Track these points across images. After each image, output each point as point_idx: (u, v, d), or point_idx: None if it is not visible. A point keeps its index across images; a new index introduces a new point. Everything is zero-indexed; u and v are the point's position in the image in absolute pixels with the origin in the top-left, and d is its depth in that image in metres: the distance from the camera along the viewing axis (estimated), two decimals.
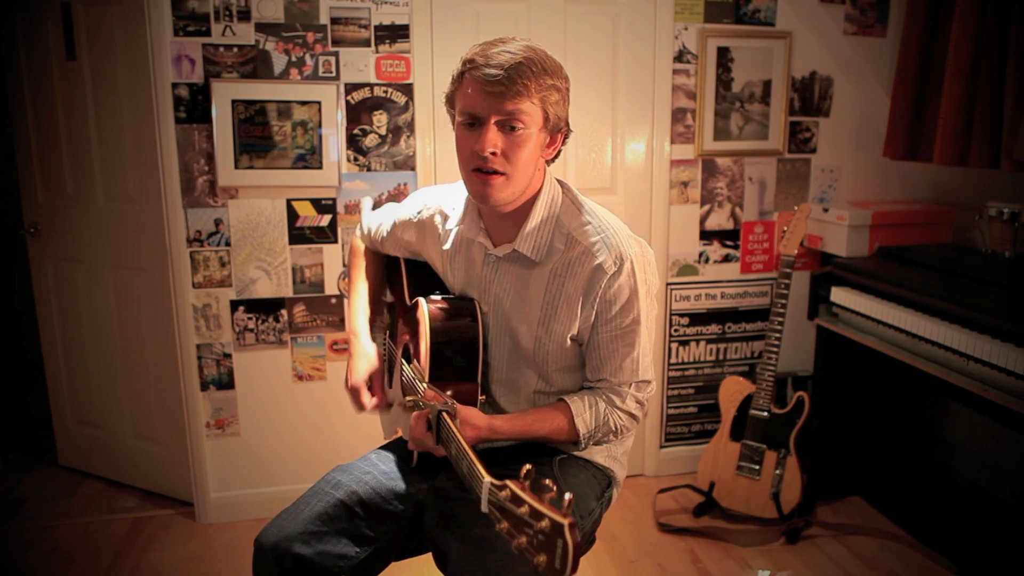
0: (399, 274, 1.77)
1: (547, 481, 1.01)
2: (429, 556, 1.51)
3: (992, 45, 2.49)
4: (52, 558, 2.60)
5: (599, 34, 2.83)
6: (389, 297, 1.86)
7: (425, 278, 1.69)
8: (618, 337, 1.48)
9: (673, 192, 2.98)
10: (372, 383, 1.64)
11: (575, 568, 0.94)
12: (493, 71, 1.33)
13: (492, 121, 1.36)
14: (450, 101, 1.44)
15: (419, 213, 1.67)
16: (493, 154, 1.37)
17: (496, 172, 1.38)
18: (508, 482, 1.04)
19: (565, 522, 0.94)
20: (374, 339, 1.74)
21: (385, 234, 1.76)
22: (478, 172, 1.39)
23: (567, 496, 0.97)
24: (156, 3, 2.51)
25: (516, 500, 1.01)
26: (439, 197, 1.65)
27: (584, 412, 1.49)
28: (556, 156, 1.49)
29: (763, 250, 3.10)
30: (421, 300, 1.55)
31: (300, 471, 2.83)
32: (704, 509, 2.86)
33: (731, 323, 3.13)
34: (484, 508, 1.10)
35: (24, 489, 3.08)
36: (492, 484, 1.08)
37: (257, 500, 2.83)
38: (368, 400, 1.62)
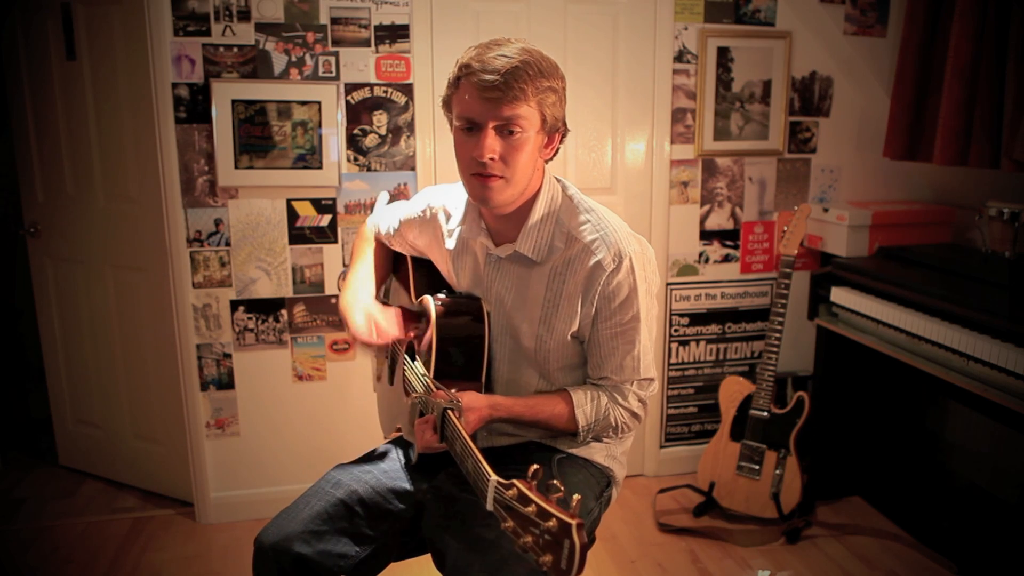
0: (405, 272, 1.77)
1: (554, 481, 1.01)
2: (428, 556, 1.51)
3: (992, 45, 2.49)
4: (52, 558, 2.60)
5: (599, 34, 2.83)
6: (394, 298, 1.85)
7: (431, 277, 1.70)
8: (618, 335, 1.48)
9: (673, 192, 2.98)
10: (378, 325, 1.59)
11: (581, 569, 0.94)
12: (490, 76, 1.33)
13: (490, 127, 1.36)
14: (447, 105, 1.44)
15: (423, 212, 1.67)
16: (492, 159, 1.37)
17: (495, 176, 1.38)
18: (515, 481, 1.04)
19: (573, 523, 0.94)
20: None
21: (393, 232, 1.76)
22: (478, 176, 1.40)
23: (575, 497, 0.97)
24: (156, 3, 2.51)
25: (523, 499, 1.01)
26: (443, 196, 1.65)
27: (585, 404, 1.50)
28: (554, 155, 1.49)
29: (763, 250, 3.10)
30: (428, 297, 1.55)
31: (300, 471, 2.83)
32: (704, 509, 2.86)
33: (731, 323, 3.13)
34: (489, 506, 1.09)
35: (24, 489, 3.08)
36: (499, 483, 1.08)
37: (257, 500, 2.83)
38: (371, 334, 1.56)
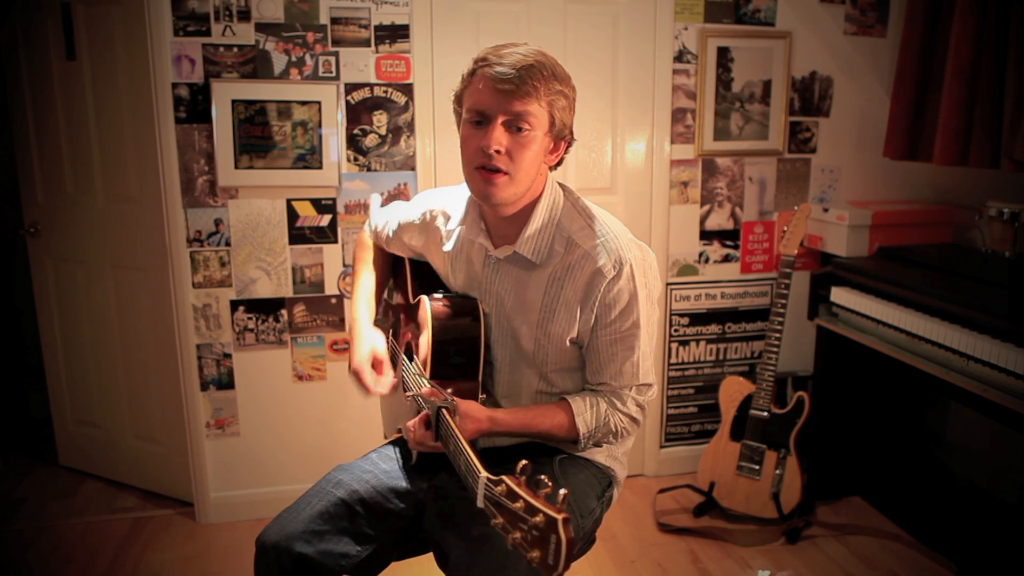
0: (403, 274, 1.77)
1: (543, 477, 1.01)
2: (429, 556, 1.51)
3: (992, 45, 2.50)
4: (52, 558, 2.60)
5: (599, 34, 2.83)
6: (394, 298, 1.86)
7: (428, 278, 1.70)
8: (618, 341, 1.48)
9: (673, 192, 2.98)
10: (376, 366, 1.60)
11: (568, 564, 0.94)
12: (505, 70, 1.35)
13: (500, 120, 1.37)
14: (459, 99, 1.46)
15: (422, 215, 1.67)
16: (498, 152, 1.37)
17: (499, 171, 1.39)
18: (504, 477, 1.05)
19: (559, 517, 0.94)
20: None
21: (391, 234, 1.77)
22: (482, 170, 1.40)
23: (561, 492, 0.97)
24: (156, 3, 2.51)
25: (511, 495, 1.02)
26: (442, 199, 1.66)
27: (585, 412, 1.49)
28: (558, 164, 1.50)
29: (763, 250, 3.10)
30: (424, 298, 1.56)
31: (300, 471, 2.83)
32: (704, 509, 2.86)
33: (731, 323, 3.13)
34: (480, 503, 1.10)
35: (24, 489, 3.08)
36: (488, 479, 1.08)
37: (257, 500, 2.83)
38: (371, 381, 1.58)
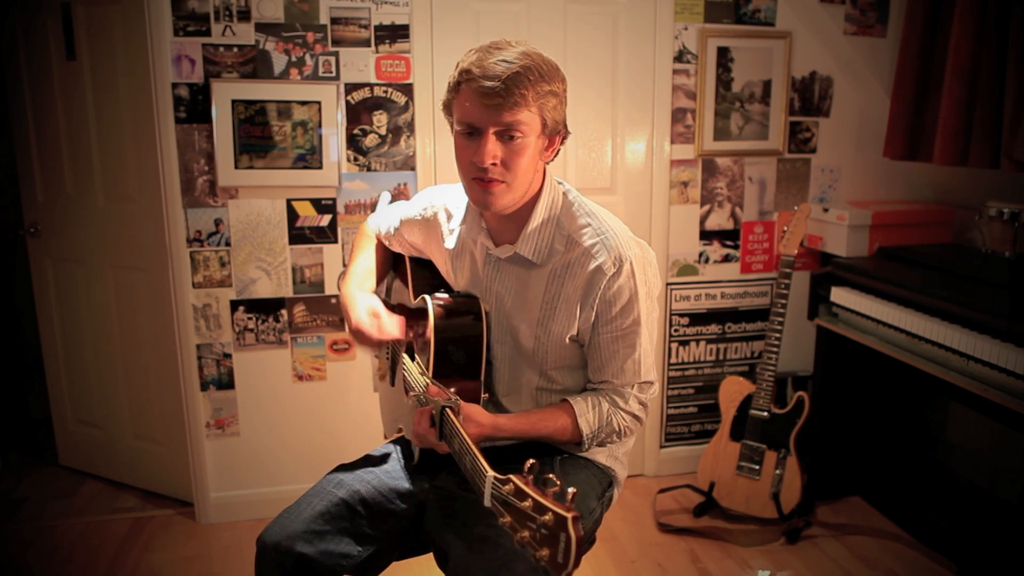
0: (404, 272, 1.77)
1: (550, 476, 1.01)
2: (430, 556, 1.51)
3: (992, 45, 2.50)
4: (52, 558, 2.60)
5: (599, 34, 2.83)
6: (394, 297, 1.86)
7: (429, 277, 1.70)
8: (619, 338, 1.48)
9: (673, 192, 2.98)
10: (380, 323, 1.57)
11: (578, 562, 0.94)
12: (490, 83, 1.32)
13: (491, 132, 1.36)
14: (447, 108, 1.44)
15: (424, 211, 1.67)
16: (493, 164, 1.37)
17: (496, 181, 1.38)
18: (512, 476, 1.05)
19: (568, 516, 0.95)
20: None
21: (392, 231, 1.77)
22: (478, 181, 1.39)
23: (570, 490, 0.97)
24: (156, 3, 2.51)
25: (519, 494, 1.02)
26: (444, 196, 1.66)
27: (587, 412, 1.49)
28: (555, 156, 1.49)
29: (763, 250, 3.10)
30: (426, 297, 1.56)
31: (300, 471, 2.83)
32: (704, 509, 2.86)
33: (731, 323, 3.13)
34: (487, 502, 1.10)
35: (24, 489, 3.08)
36: (495, 478, 1.08)
37: (257, 500, 2.83)
38: (375, 329, 1.54)
